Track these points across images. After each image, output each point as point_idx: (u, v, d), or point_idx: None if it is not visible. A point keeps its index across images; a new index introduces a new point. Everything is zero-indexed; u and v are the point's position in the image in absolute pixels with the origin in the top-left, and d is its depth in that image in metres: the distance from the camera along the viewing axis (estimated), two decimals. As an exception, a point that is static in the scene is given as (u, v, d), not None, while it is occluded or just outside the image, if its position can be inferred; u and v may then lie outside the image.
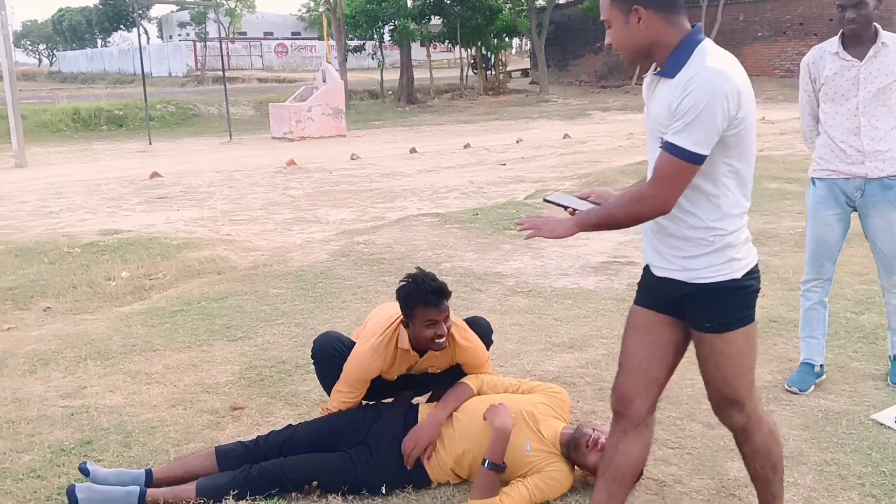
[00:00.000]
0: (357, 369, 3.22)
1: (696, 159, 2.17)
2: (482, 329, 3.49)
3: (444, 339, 3.14)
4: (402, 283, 3.16)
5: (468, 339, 3.32)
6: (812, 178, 3.95)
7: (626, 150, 15.39)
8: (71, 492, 2.84)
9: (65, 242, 7.81)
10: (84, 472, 2.98)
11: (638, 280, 2.55)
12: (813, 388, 3.94)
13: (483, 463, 2.93)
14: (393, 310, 3.30)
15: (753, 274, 2.36)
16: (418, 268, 3.27)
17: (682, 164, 2.17)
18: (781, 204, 8.73)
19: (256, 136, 21.39)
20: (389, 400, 3.41)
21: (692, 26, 2.26)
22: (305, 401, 3.90)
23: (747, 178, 2.31)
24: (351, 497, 3.01)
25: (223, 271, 6.73)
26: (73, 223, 9.33)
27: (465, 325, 3.38)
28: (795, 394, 3.88)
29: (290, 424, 3.29)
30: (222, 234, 8.61)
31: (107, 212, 10.23)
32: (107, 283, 6.45)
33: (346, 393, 3.26)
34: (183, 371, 4.35)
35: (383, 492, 3.03)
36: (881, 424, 3.52)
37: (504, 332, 4.75)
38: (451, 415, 3.16)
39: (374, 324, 3.32)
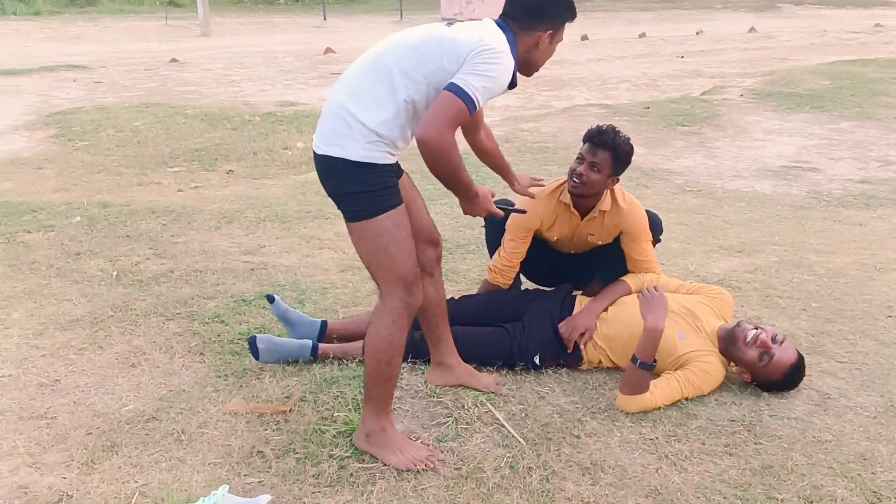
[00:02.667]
0: (521, 217, 3.26)
1: None
2: (652, 222, 3.40)
3: (582, 179, 3.12)
4: None
5: (631, 203, 3.28)
6: None
7: (817, 49, 14.20)
8: (252, 342, 3.09)
9: (246, 111, 8.22)
10: (270, 298, 3.19)
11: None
12: None
13: (633, 361, 2.84)
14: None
15: None
16: None
17: None
18: None
19: (428, 15, 21.28)
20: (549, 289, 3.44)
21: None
22: (465, 278, 4.00)
23: None
24: (504, 371, 3.08)
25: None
26: (254, 93, 9.78)
27: (631, 195, 3.33)
28: None
29: (452, 297, 3.39)
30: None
31: (284, 84, 10.63)
32: (284, 152, 6.78)
33: (510, 241, 3.32)
34: (352, 239, 4.55)
35: (537, 362, 3.07)
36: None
37: (670, 231, 4.61)
38: (606, 308, 3.17)
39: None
